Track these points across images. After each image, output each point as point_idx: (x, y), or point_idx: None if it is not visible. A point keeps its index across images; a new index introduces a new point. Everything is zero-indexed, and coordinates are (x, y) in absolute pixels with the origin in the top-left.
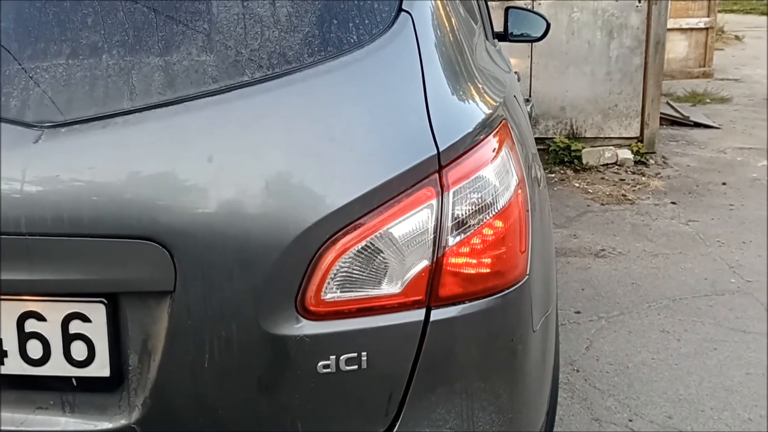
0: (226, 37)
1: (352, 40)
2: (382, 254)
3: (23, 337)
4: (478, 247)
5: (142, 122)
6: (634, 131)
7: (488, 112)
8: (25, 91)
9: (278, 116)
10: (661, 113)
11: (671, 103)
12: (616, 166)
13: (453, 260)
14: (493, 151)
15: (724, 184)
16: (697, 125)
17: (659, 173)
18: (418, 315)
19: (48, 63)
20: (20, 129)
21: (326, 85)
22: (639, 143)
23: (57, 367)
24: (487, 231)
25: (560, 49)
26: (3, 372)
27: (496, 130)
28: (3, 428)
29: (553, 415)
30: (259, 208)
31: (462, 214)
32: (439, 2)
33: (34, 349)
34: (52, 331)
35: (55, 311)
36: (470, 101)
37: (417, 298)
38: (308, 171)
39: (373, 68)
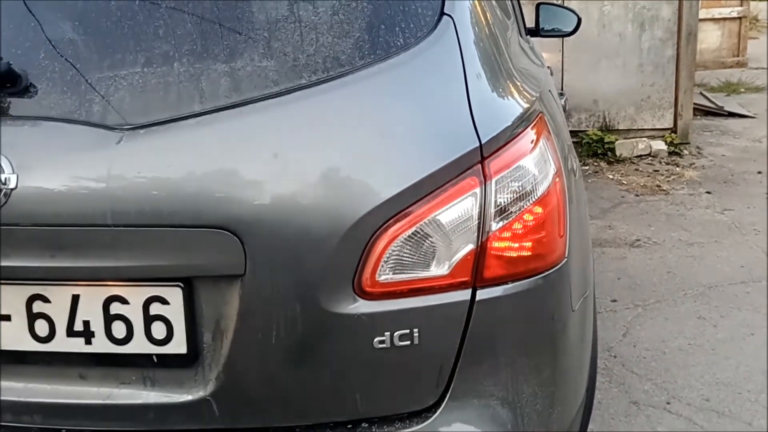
0: (285, 44)
1: (399, 43)
2: (430, 239)
3: (108, 319)
4: (520, 231)
5: (212, 123)
6: (668, 122)
7: (526, 106)
8: (106, 97)
9: (334, 115)
10: (695, 104)
11: (705, 93)
12: (650, 157)
13: (496, 244)
14: (532, 142)
15: (759, 173)
16: (732, 115)
17: (693, 163)
18: (465, 295)
19: (125, 71)
20: (103, 131)
21: (376, 85)
22: (672, 134)
23: (139, 345)
24: (527, 217)
25: (591, 42)
26: (91, 351)
27: (534, 123)
28: (92, 401)
29: (593, 393)
30: (319, 199)
31: (504, 202)
32: (477, 5)
33: (119, 329)
34: (134, 313)
35: (137, 295)
36: (509, 97)
37: (463, 279)
38: (362, 164)
39: (419, 69)
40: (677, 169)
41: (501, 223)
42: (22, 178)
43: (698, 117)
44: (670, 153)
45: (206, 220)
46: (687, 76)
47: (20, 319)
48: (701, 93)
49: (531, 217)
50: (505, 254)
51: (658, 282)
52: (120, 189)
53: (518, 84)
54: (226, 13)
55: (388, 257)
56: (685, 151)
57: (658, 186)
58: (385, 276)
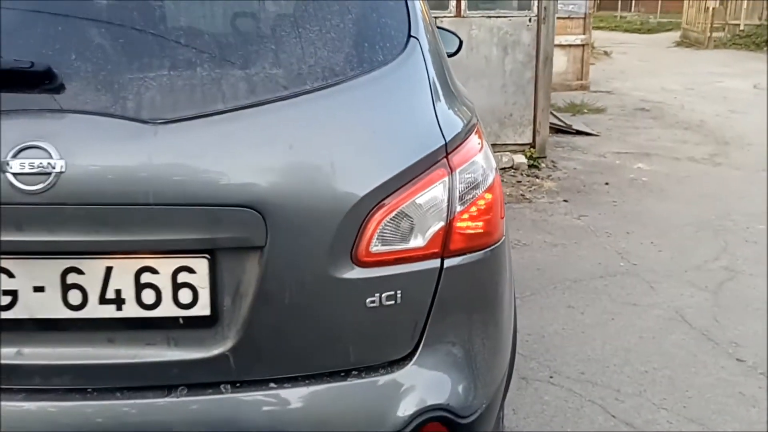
0: (290, 56)
1: (380, 59)
2: (410, 218)
3: (139, 287)
4: (475, 213)
5: (235, 120)
6: (528, 138)
7: (469, 115)
8: (138, 95)
9: (335, 115)
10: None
11: (554, 113)
12: (513, 170)
13: (459, 224)
14: (478, 144)
15: (606, 184)
16: (579, 133)
17: (551, 175)
18: (436, 263)
19: (155, 74)
20: (140, 125)
21: (366, 92)
22: (532, 149)
23: (167, 309)
24: (480, 202)
25: (461, 63)
26: (121, 316)
27: (476, 129)
28: (118, 361)
29: (515, 346)
30: (326, 184)
31: (464, 189)
32: (430, 29)
33: (148, 296)
34: (163, 281)
35: (167, 265)
36: (458, 107)
37: (435, 250)
38: (358, 156)
39: (397, 80)
40: (537, 180)
41: (462, 207)
42: (69, 164)
43: (551, 134)
44: (530, 166)
45: (234, 199)
46: (544, 97)
47: (54, 290)
48: (551, 112)
49: (483, 202)
50: (465, 231)
51: (530, 278)
52: (159, 173)
53: (461, 96)
54: (241, 27)
55: (379, 232)
56: (543, 165)
57: (522, 195)
58: (376, 248)
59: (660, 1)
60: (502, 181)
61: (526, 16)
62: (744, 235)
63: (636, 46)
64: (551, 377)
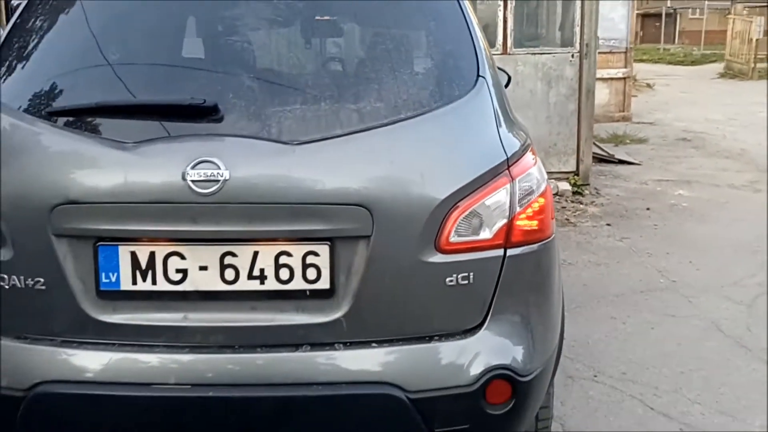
0: (389, 92)
1: (456, 94)
2: (480, 216)
3: (277, 267)
4: (531, 213)
5: (350, 141)
6: (571, 166)
7: (524, 137)
8: (280, 123)
9: (422, 137)
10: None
11: (597, 143)
12: (558, 196)
13: (518, 221)
14: (533, 159)
15: (648, 209)
16: (621, 162)
17: (594, 201)
18: (500, 252)
19: (290, 107)
20: (281, 145)
21: (445, 119)
22: (576, 176)
23: (298, 284)
24: (535, 205)
25: (508, 96)
26: (263, 289)
27: (530, 148)
28: (259, 324)
29: (563, 329)
30: (417, 189)
31: (522, 194)
32: (494, 69)
33: (284, 273)
34: (296, 262)
35: (298, 250)
36: (516, 131)
37: (499, 242)
38: (443, 168)
39: (469, 110)
40: (581, 206)
41: (521, 208)
42: (232, 174)
43: (594, 163)
44: (574, 192)
45: (350, 199)
46: (587, 127)
47: (214, 269)
48: (594, 143)
49: (537, 205)
50: (523, 227)
51: (576, 293)
52: (295, 180)
53: (518, 122)
54: (352, 72)
55: (456, 226)
56: (586, 191)
57: (567, 219)
58: (453, 239)
59: (703, 34)
60: None
61: (568, 52)
62: None
63: (679, 78)
64: (595, 376)
